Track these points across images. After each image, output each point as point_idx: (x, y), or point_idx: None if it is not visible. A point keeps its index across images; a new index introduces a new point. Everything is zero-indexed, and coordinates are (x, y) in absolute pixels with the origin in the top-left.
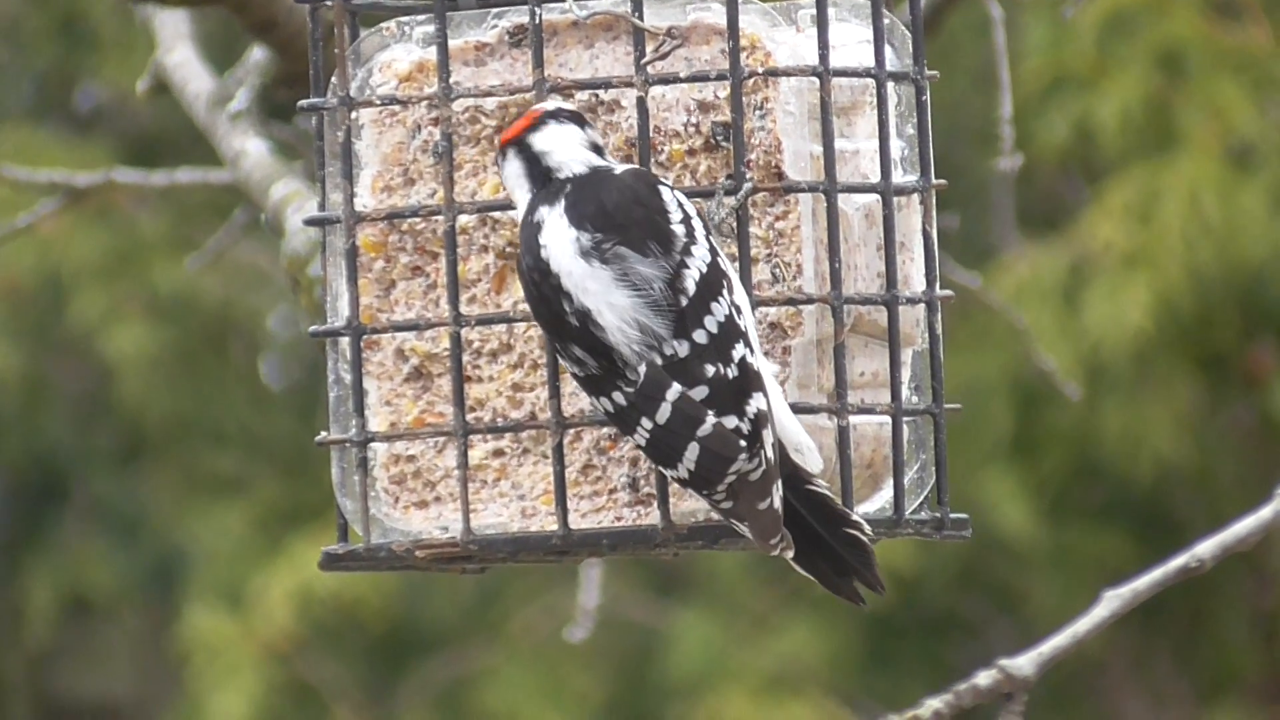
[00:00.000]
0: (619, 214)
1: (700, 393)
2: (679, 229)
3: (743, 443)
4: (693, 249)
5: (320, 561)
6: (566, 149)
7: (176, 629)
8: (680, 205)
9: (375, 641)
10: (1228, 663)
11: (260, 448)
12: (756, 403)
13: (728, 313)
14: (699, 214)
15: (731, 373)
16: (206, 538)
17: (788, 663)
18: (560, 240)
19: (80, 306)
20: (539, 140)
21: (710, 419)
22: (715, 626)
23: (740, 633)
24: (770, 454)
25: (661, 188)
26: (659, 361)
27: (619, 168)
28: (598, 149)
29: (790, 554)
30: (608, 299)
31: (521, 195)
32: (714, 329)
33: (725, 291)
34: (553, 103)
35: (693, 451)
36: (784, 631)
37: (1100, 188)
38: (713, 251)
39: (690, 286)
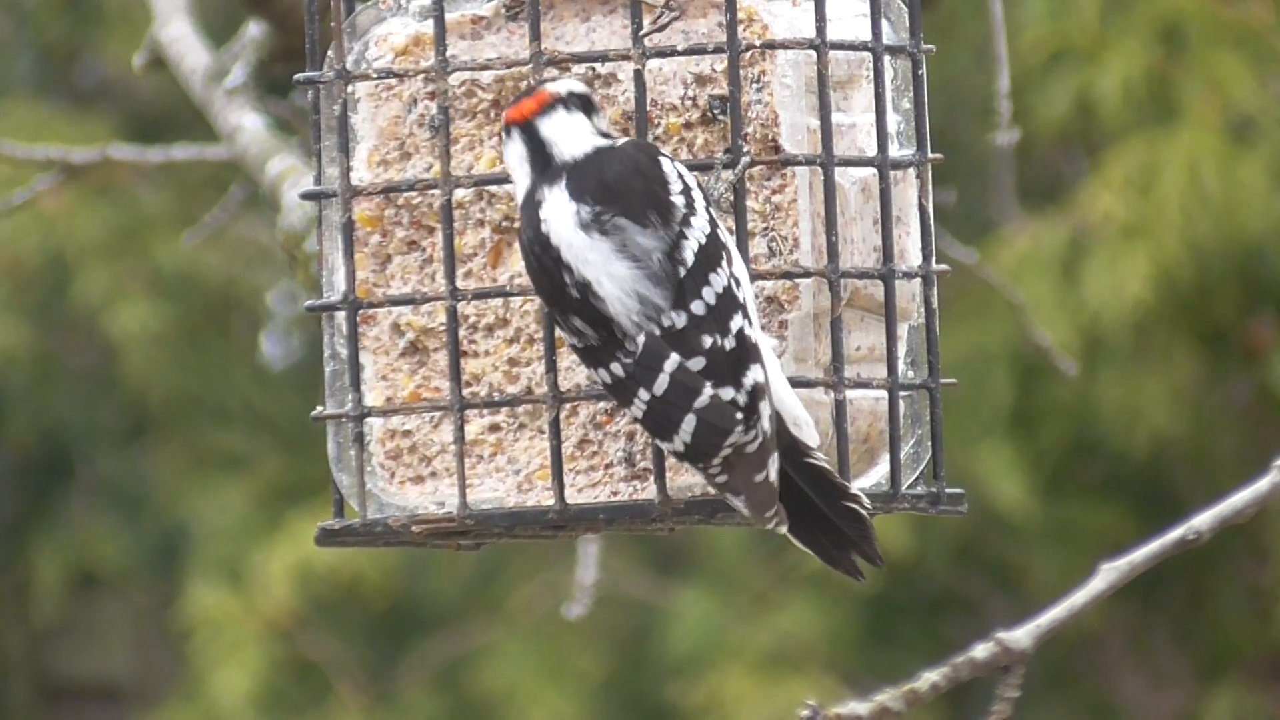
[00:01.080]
0: (618, 185)
1: (697, 364)
2: (678, 200)
3: (739, 415)
4: (692, 220)
5: (316, 537)
6: (573, 140)
7: (179, 606)
8: (680, 176)
9: (376, 618)
10: (1226, 640)
11: (263, 424)
12: (754, 375)
13: (726, 284)
14: (699, 185)
15: (729, 344)
16: (209, 514)
17: (787, 640)
18: (561, 213)
19: (84, 284)
20: (547, 127)
21: (707, 390)
22: (714, 604)
23: (740, 610)
24: (767, 426)
25: (662, 159)
26: (657, 332)
27: (620, 140)
28: (604, 134)
29: (784, 528)
30: (607, 270)
31: (522, 176)
32: (712, 300)
33: (724, 263)
34: (564, 84)
35: (689, 423)
36: (783, 609)
37: (1100, 160)
38: (712, 223)
39: (689, 257)
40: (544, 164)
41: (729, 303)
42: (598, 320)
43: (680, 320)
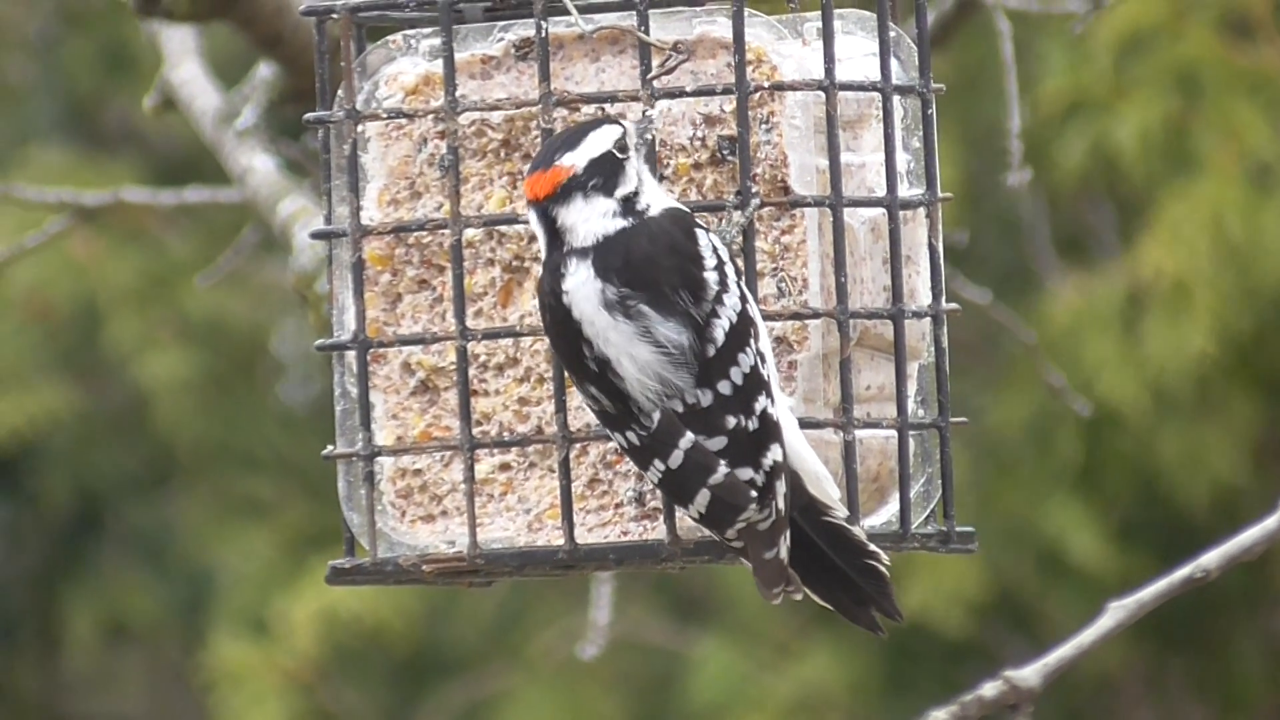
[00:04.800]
0: (647, 267)
1: (718, 443)
2: (711, 275)
3: (754, 493)
4: (724, 297)
5: (327, 576)
6: (592, 226)
7: (201, 656)
8: (715, 250)
9: (397, 664)
10: (1242, 685)
11: (289, 470)
12: (773, 454)
13: (753, 363)
14: (732, 258)
15: (752, 425)
16: (234, 561)
17: (808, 689)
18: (584, 289)
19: (114, 332)
20: (563, 215)
21: (722, 469)
22: (736, 652)
23: (761, 659)
24: (781, 504)
25: (698, 231)
26: (679, 409)
27: (658, 205)
28: (630, 201)
29: (799, 597)
30: (629, 351)
31: (541, 243)
32: (739, 380)
33: (752, 340)
34: (585, 152)
35: (703, 497)
36: (805, 658)
37: (1140, 213)
38: (743, 298)
39: (719, 336)
40: (560, 244)
41: (755, 383)
42: (615, 394)
43: (706, 399)
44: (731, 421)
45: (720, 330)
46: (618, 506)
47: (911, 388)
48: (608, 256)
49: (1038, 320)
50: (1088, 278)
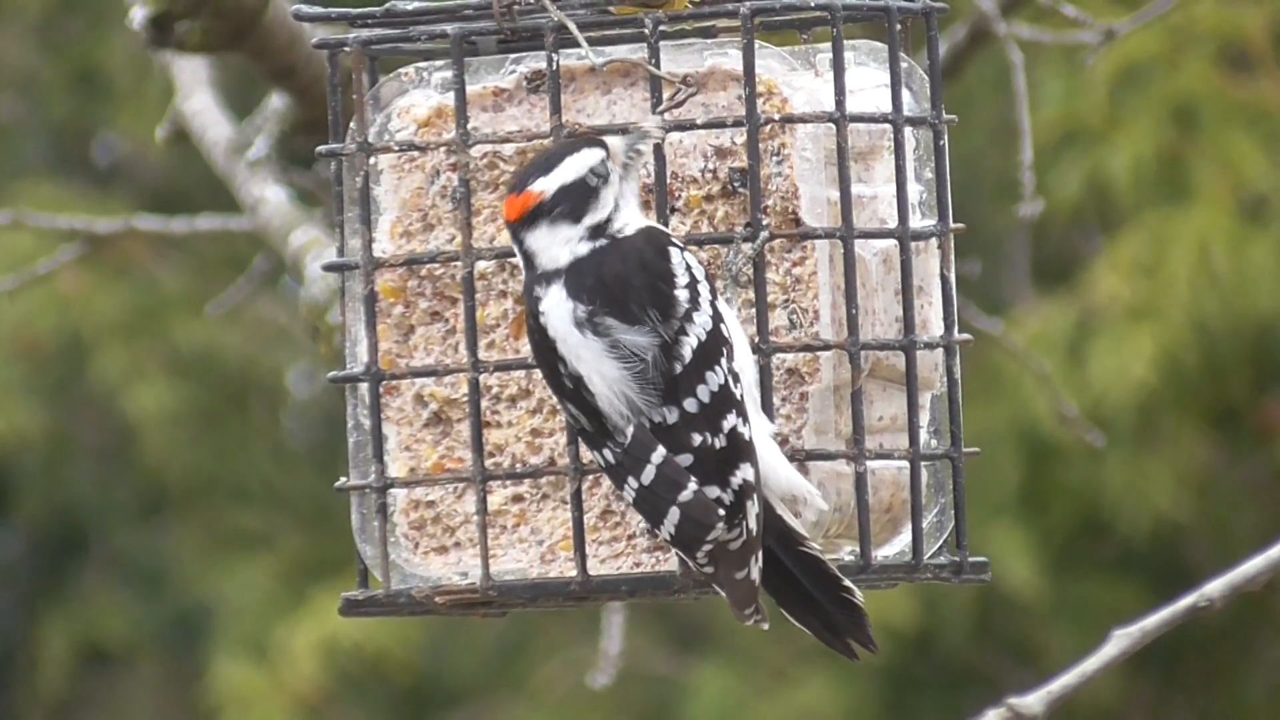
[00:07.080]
0: (616, 284)
1: (685, 460)
2: (682, 294)
3: (721, 512)
4: (694, 315)
5: (340, 607)
6: (553, 253)
7: (206, 682)
8: (688, 269)
9: (400, 695)
10: (1244, 716)
11: (282, 502)
12: (743, 474)
13: (722, 381)
14: (708, 277)
15: (719, 443)
16: (231, 592)
17: (806, 716)
18: (558, 308)
19: (102, 364)
20: (530, 240)
21: (691, 485)
22: (734, 679)
23: (759, 685)
24: (753, 525)
25: (671, 249)
26: (647, 425)
27: (634, 226)
28: (599, 228)
29: (765, 626)
30: (599, 368)
31: (520, 262)
32: (706, 399)
33: (723, 359)
34: (556, 177)
35: (673, 515)
36: (802, 684)
37: (1111, 241)
38: (715, 318)
39: (686, 354)
40: (533, 267)
41: (723, 401)
42: (589, 411)
43: (672, 416)
44: (697, 439)
45: (688, 348)
46: (630, 538)
47: (924, 418)
48: (580, 277)
49: (995, 347)
50: (1051, 305)
